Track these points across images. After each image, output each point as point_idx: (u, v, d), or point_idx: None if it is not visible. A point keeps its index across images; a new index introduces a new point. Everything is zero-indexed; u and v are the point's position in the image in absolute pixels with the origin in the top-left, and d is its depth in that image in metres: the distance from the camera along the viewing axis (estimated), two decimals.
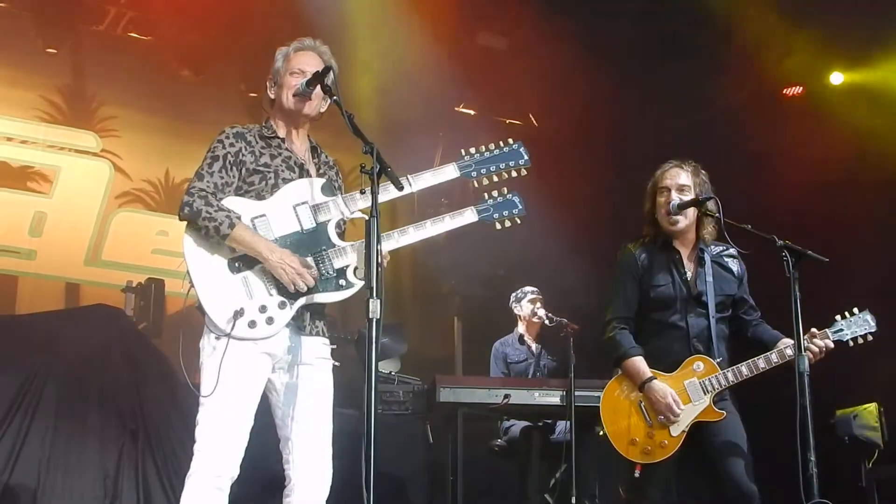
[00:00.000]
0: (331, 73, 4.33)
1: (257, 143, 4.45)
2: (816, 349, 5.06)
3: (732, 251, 5.33)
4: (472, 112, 11.60)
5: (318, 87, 4.36)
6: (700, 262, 5.25)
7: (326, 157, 4.70)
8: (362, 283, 4.20)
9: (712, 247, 5.32)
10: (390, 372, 8.49)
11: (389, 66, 9.96)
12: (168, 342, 8.49)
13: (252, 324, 4.16)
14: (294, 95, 4.45)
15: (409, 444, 8.13)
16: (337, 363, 4.47)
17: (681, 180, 5.22)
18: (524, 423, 8.02)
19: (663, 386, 5.00)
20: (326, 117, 4.61)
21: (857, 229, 8.53)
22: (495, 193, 4.58)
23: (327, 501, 4.33)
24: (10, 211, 9.94)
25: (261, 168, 4.38)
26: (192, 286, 4.19)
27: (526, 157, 4.60)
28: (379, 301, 3.78)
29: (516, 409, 7.57)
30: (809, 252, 5.03)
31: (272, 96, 4.59)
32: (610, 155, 10.16)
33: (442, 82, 10.06)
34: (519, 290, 8.54)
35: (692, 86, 9.73)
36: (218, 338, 4.15)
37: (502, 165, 4.55)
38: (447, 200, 10.64)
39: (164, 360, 7.76)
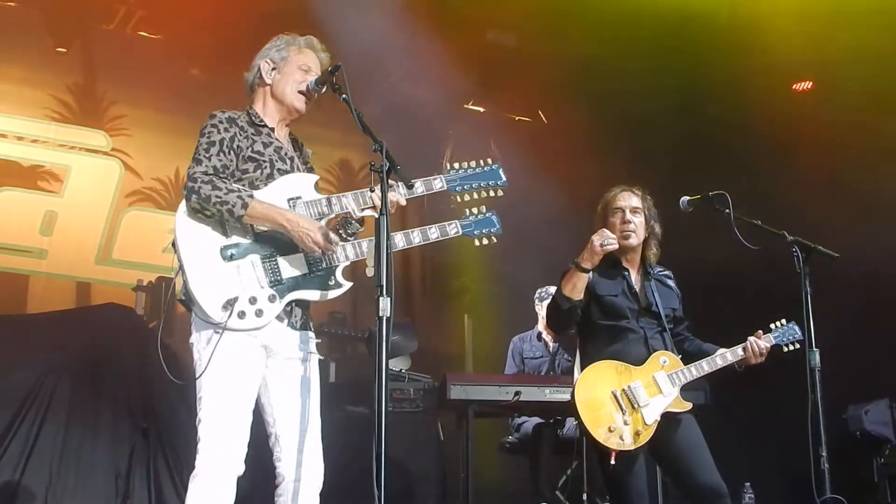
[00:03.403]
0: (340, 70, 4.33)
1: (248, 129, 4.41)
2: (762, 347, 5.30)
3: (669, 272, 5.61)
4: (481, 109, 11.61)
5: (325, 86, 4.36)
6: (646, 278, 5.49)
7: (306, 149, 4.71)
8: (350, 283, 4.31)
9: (653, 268, 5.54)
10: (401, 369, 8.48)
11: (398, 63, 9.97)
12: (179, 341, 8.48)
13: (241, 314, 4.14)
14: (300, 92, 4.45)
15: (420, 441, 8.12)
16: (321, 357, 4.46)
17: (633, 203, 5.44)
18: (537, 420, 8.00)
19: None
20: (337, 115, 4.61)
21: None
22: (475, 211, 4.70)
23: (336, 499, 4.32)
24: (21, 210, 9.96)
25: (255, 156, 4.35)
26: (184, 276, 4.17)
27: (503, 179, 4.72)
28: (389, 299, 3.78)
29: (527, 406, 7.57)
30: (819, 247, 5.03)
31: (268, 81, 4.54)
32: (619, 151, 10.13)
33: (451, 79, 10.05)
34: (544, 290, 8.49)
35: (700, 81, 9.71)
36: (216, 331, 4.12)
37: (482, 184, 4.67)
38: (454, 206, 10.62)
39: (174, 359, 7.77)
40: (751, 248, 5.21)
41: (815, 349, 4.92)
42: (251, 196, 4.18)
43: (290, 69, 4.50)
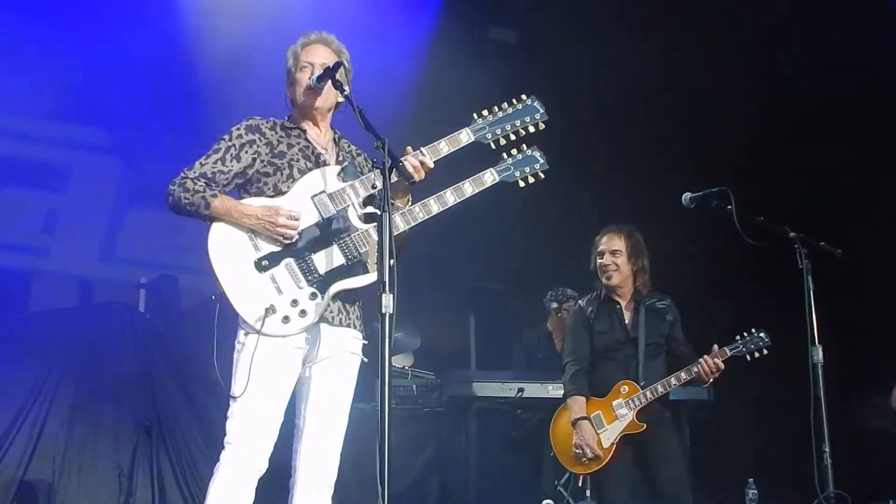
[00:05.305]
0: (341, 68, 4.34)
1: (275, 133, 4.45)
2: (709, 368, 5.74)
3: (666, 299, 6.19)
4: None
5: (329, 81, 4.36)
6: (636, 310, 6.10)
7: (349, 145, 4.68)
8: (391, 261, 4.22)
9: (647, 298, 6.14)
10: (404, 366, 8.49)
11: (398, 62, 9.96)
12: (181, 338, 8.49)
13: (286, 319, 4.17)
14: (305, 90, 4.45)
15: (423, 438, 8.13)
16: (366, 359, 4.44)
17: (613, 245, 6.13)
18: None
19: (589, 429, 5.88)
20: (337, 112, 4.61)
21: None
22: (514, 151, 4.54)
23: (340, 496, 4.33)
24: (23, 208, 9.95)
25: (275, 160, 4.37)
26: (224, 295, 4.18)
27: (542, 111, 4.56)
28: (392, 296, 3.78)
29: (530, 402, 7.56)
30: (822, 244, 5.03)
31: (289, 95, 4.59)
32: (623, 150, 10.12)
33: (451, 77, 10.04)
34: (561, 292, 8.41)
35: (702, 81, 9.70)
36: (246, 334, 4.18)
37: (518, 123, 4.50)
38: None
39: (177, 356, 7.78)
40: (752, 244, 5.20)
41: (817, 345, 4.92)
42: (214, 196, 4.25)
43: (296, 75, 4.53)
